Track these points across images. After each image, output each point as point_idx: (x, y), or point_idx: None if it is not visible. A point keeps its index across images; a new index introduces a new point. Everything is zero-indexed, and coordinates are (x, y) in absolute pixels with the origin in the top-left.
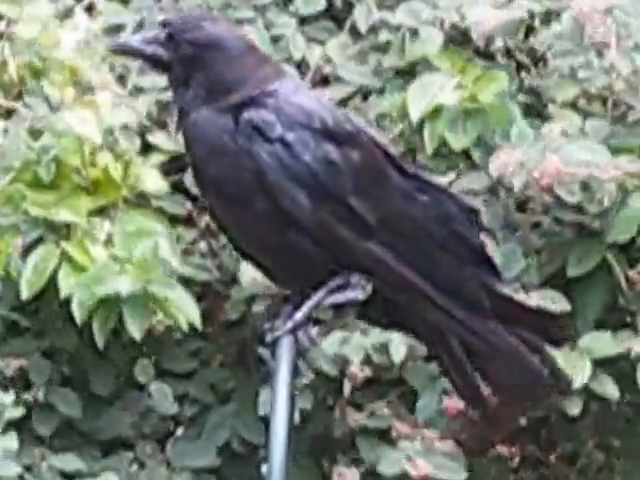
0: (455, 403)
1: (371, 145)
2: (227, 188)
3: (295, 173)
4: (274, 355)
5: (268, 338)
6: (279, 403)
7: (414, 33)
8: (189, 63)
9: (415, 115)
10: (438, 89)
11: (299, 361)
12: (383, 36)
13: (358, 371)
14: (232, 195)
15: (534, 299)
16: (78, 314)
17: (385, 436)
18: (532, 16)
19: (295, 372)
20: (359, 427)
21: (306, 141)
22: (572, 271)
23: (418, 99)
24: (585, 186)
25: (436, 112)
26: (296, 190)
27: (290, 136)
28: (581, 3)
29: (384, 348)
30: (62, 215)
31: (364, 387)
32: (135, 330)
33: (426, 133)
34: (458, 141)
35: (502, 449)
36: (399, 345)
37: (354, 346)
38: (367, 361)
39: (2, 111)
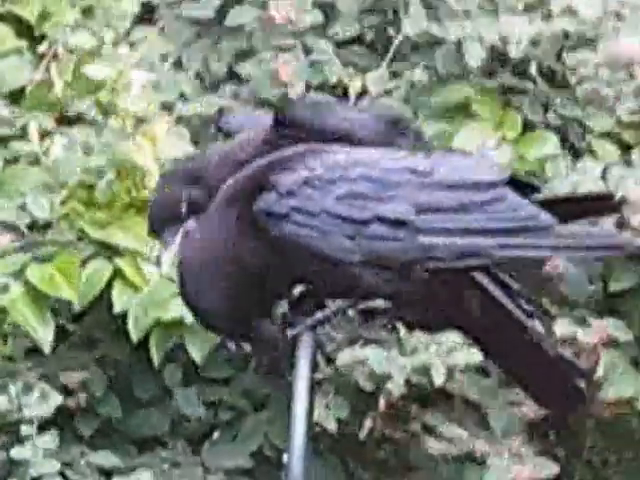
0: (531, 408)
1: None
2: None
3: (322, 225)
4: (294, 351)
5: (289, 333)
6: (299, 397)
7: (458, 49)
8: None
9: None
10: (481, 146)
11: (318, 356)
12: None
13: (395, 389)
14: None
15: (597, 327)
16: (134, 333)
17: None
18: (567, 36)
19: (314, 368)
20: (440, 455)
21: (311, 195)
22: (614, 286)
23: None
24: None
25: None
26: (332, 239)
27: (293, 202)
28: (620, 41)
29: (425, 371)
30: (119, 238)
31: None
32: (197, 355)
33: None
34: None
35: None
36: (440, 368)
37: (396, 366)
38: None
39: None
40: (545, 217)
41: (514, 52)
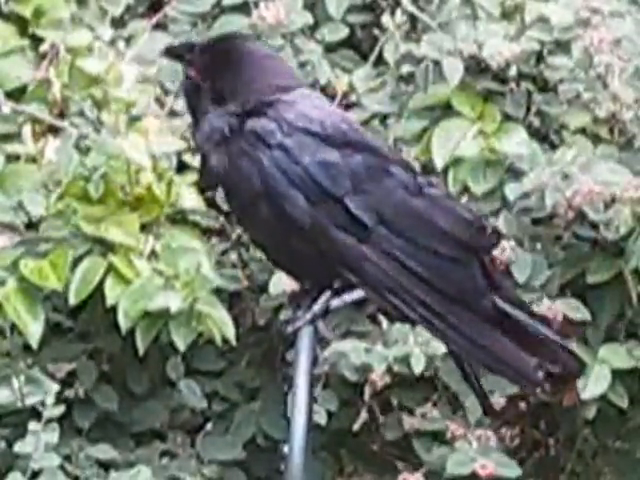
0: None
1: (371, 147)
2: (235, 188)
3: (294, 177)
4: (294, 345)
5: (288, 329)
6: (299, 391)
7: (436, 64)
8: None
9: (439, 164)
10: (460, 137)
11: (318, 351)
12: (405, 68)
13: (379, 379)
14: (240, 196)
15: (557, 307)
16: (123, 323)
17: (438, 437)
18: (542, 44)
19: (314, 362)
20: (413, 430)
21: (304, 145)
22: (592, 278)
23: (441, 148)
24: (607, 206)
25: (459, 160)
26: (295, 193)
27: (289, 142)
28: (591, 34)
29: (405, 360)
30: (114, 234)
31: (409, 389)
32: (181, 343)
33: (450, 178)
34: (479, 187)
35: (504, 432)
36: (419, 357)
37: (377, 356)
38: (387, 369)
39: (44, 127)
40: (485, 304)
41: (495, 65)
